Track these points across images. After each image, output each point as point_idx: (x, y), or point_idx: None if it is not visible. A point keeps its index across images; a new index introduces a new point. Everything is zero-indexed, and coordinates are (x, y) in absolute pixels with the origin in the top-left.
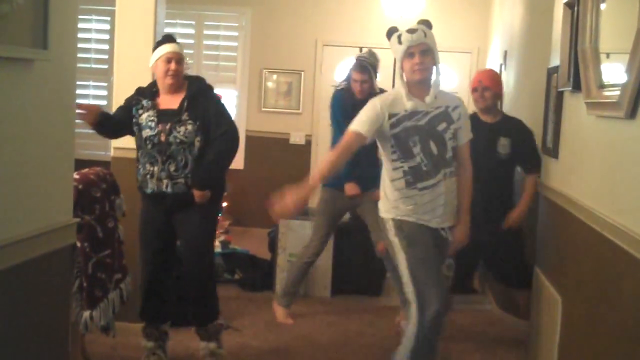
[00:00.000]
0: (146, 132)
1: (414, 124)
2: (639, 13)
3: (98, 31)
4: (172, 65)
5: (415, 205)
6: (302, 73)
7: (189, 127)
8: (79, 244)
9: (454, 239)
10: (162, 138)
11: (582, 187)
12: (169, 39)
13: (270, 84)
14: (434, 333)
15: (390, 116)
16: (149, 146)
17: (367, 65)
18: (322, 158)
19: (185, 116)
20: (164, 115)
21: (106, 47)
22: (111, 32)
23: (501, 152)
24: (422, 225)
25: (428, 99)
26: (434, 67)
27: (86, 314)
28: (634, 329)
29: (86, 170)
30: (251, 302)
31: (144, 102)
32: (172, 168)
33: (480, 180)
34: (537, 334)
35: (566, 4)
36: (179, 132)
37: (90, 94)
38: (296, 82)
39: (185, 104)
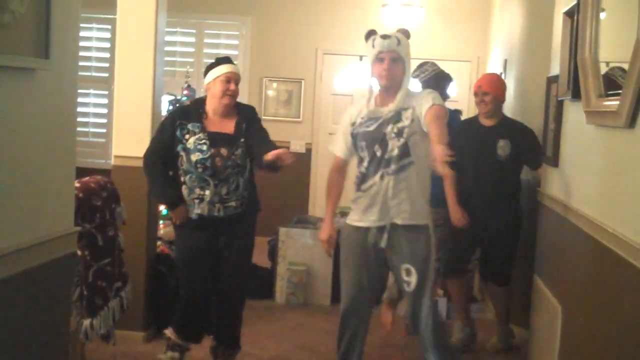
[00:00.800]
0: (196, 156)
1: (364, 130)
2: (638, 22)
3: (99, 39)
4: (232, 86)
5: (357, 208)
6: (303, 82)
7: (244, 149)
8: (79, 252)
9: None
10: (218, 162)
11: (582, 196)
12: (227, 59)
13: (270, 93)
14: (344, 328)
15: (351, 125)
16: (200, 170)
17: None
18: (326, 179)
19: (242, 141)
20: (216, 139)
21: (107, 55)
22: (112, 40)
23: (500, 154)
24: (357, 228)
25: (392, 105)
26: (404, 76)
27: (86, 322)
28: (635, 337)
29: (87, 178)
30: (251, 311)
31: (190, 126)
32: (223, 191)
33: (480, 182)
34: (537, 342)
35: (566, 13)
36: (236, 156)
37: (90, 102)
38: (296, 91)
39: (244, 128)
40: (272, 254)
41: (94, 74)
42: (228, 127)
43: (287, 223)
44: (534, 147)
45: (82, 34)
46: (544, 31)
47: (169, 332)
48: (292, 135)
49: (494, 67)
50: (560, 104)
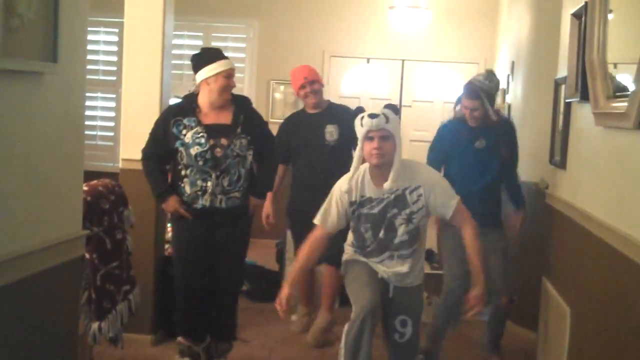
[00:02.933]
0: (195, 149)
1: (367, 212)
2: None
3: (106, 43)
4: (232, 82)
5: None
6: None
7: (243, 141)
8: (87, 256)
9: (469, 301)
10: (218, 153)
11: (591, 198)
12: (221, 53)
13: (277, 95)
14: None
15: (350, 204)
16: (200, 162)
17: (478, 90)
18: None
19: (239, 130)
20: (213, 131)
21: (114, 58)
22: (119, 43)
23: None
24: (366, 263)
25: (387, 185)
26: (395, 152)
27: (95, 325)
28: None
29: (95, 182)
30: (259, 314)
31: (185, 121)
32: (225, 182)
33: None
34: (546, 344)
35: (573, 15)
36: (235, 145)
37: (98, 106)
38: None
39: (241, 119)
40: (280, 256)
41: (101, 77)
42: (224, 118)
43: None
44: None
45: (89, 37)
46: (551, 33)
47: (179, 339)
48: None
49: (502, 69)
50: (568, 106)
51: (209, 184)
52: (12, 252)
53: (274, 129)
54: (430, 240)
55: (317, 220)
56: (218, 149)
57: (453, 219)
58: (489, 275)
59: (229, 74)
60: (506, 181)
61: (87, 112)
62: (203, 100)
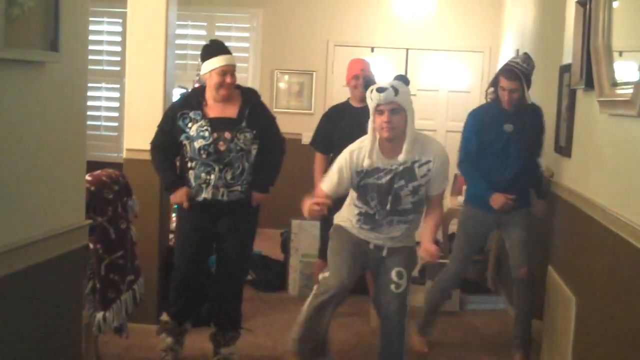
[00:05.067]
0: (199, 142)
1: (374, 182)
2: None
3: (110, 33)
4: (228, 79)
5: (354, 226)
6: (314, 74)
7: (248, 135)
8: (92, 246)
9: (426, 251)
10: (221, 146)
11: (596, 186)
12: (222, 48)
13: (282, 85)
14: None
15: (357, 173)
16: (204, 155)
17: (518, 72)
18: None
19: (244, 124)
20: (217, 124)
21: (118, 49)
22: (123, 34)
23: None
24: (350, 232)
25: (401, 157)
26: (407, 125)
27: (99, 315)
28: None
29: (98, 171)
30: (264, 303)
31: (192, 114)
32: (228, 176)
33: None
34: (551, 333)
35: (578, 2)
36: (239, 139)
37: (102, 96)
38: (308, 83)
39: (247, 113)
40: (285, 246)
41: (105, 67)
42: (230, 111)
43: (299, 215)
44: None
45: (93, 28)
46: (556, 20)
47: (164, 315)
48: (303, 128)
49: (507, 57)
50: (573, 93)
51: (212, 177)
52: (15, 242)
53: (279, 119)
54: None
55: (323, 184)
56: (221, 143)
57: (432, 197)
58: (510, 247)
59: (223, 71)
60: (529, 169)
61: (91, 103)
62: (208, 95)
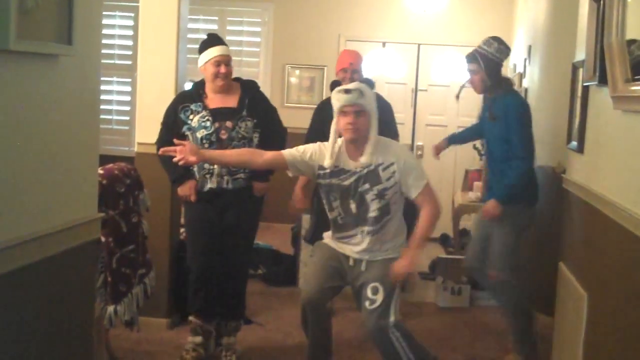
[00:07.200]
0: (201, 132)
1: (338, 183)
2: None
3: (122, 27)
4: (222, 69)
5: (336, 244)
6: (325, 68)
7: (249, 123)
8: (103, 239)
9: (393, 269)
10: (223, 135)
11: (608, 183)
12: (216, 40)
13: (293, 80)
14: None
15: (320, 168)
16: (206, 145)
17: (476, 54)
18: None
19: (244, 113)
20: (218, 114)
21: (130, 42)
22: (135, 28)
23: None
24: (333, 249)
25: (363, 159)
26: (370, 128)
27: (110, 308)
28: None
29: (110, 165)
30: (274, 297)
31: (193, 107)
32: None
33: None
34: (562, 330)
35: None
36: (240, 127)
37: (114, 90)
38: (319, 78)
39: (247, 102)
40: (295, 240)
41: (117, 61)
42: (231, 101)
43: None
44: None
45: (105, 22)
46: (569, 16)
47: (191, 317)
48: None
49: (518, 53)
50: (586, 90)
51: (216, 166)
52: (27, 235)
53: (290, 113)
54: (445, 224)
55: (287, 152)
56: (223, 132)
57: (417, 200)
58: (491, 247)
59: (216, 62)
60: (507, 167)
61: (103, 97)
62: (207, 87)
